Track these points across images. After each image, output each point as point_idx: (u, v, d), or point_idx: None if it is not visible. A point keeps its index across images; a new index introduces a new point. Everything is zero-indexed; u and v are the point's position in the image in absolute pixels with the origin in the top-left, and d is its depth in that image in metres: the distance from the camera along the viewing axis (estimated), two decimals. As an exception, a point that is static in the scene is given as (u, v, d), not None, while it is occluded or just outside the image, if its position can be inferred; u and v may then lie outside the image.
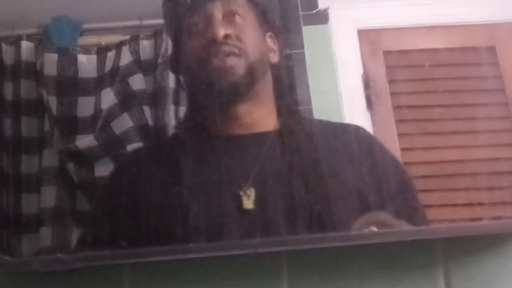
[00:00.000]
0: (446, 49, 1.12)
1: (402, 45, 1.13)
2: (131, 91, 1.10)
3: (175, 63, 1.07)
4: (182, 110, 1.09)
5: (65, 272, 0.90)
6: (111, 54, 1.12)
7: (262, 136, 1.00)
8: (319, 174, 0.97)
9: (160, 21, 1.12)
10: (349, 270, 0.95)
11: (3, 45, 1.12)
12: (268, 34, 1.04)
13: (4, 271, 0.94)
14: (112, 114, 1.09)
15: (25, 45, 1.12)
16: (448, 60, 1.11)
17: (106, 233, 0.97)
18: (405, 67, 1.11)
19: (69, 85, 1.10)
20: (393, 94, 1.08)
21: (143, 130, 1.08)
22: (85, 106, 1.10)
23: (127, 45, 1.12)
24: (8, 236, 1.03)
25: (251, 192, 0.95)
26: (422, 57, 1.11)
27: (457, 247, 0.95)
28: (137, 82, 1.10)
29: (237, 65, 0.98)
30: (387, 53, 1.11)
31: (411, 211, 0.97)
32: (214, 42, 0.98)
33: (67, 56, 1.12)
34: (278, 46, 1.04)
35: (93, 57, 1.12)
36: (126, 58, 1.11)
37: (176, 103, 1.09)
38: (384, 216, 0.95)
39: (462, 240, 0.95)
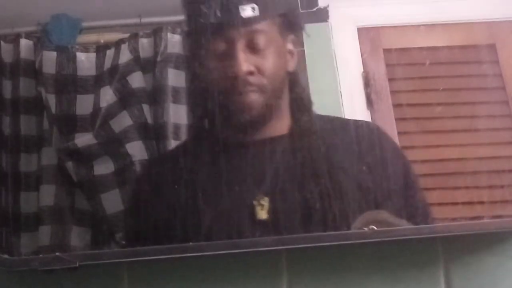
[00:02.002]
0: (447, 47, 1.11)
1: (402, 43, 1.13)
2: (130, 89, 1.09)
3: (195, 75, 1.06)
4: (182, 109, 1.09)
5: (64, 271, 0.90)
6: (110, 52, 1.12)
7: (274, 142, 0.99)
8: (330, 176, 0.95)
9: (159, 19, 1.13)
10: (349, 268, 0.95)
11: (2, 43, 1.12)
12: (290, 37, 1.02)
13: (3, 270, 0.94)
14: (111, 112, 1.08)
15: (24, 43, 1.12)
16: (448, 58, 1.11)
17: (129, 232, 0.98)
18: (405, 65, 1.11)
19: (68, 83, 1.10)
20: (393, 92, 1.08)
21: (142, 128, 1.07)
22: (84, 104, 1.09)
23: (126, 43, 1.11)
24: (7, 235, 1.03)
25: (265, 202, 0.94)
26: (422, 55, 1.10)
27: (458, 245, 0.95)
28: (136, 80, 1.10)
29: (257, 101, 0.97)
30: (387, 51, 1.11)
31: (418, 210, 0.97)
32: (236, 78, 0.97)
33: (66, 54, 1.11)
34: (298, 46, 1.03)
35: (92, 55, 1.12)
36: (125, 56, 1.11)
37: (175, 101, 1.09)
38: (384, 214, 0.95)
39: (463, 239, 0.95)
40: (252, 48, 0.98)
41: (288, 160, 0.97)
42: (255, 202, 0.94)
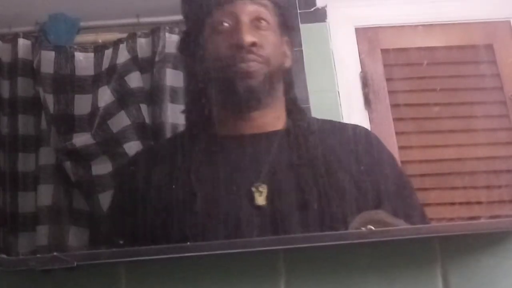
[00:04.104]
0: (444, 47, 1.12)
1: (400, 43, 1.13)
2: (128, 89, 1.09)
3: (193, 55, 1.06)
4: (181, 109, 1.09)
5: (62, 271, 0.90)
6: (108, 52, 1.12)
7: (271, 135, 1.01)
8: (326, 170, 0.98)
9: (157, 19, 1.13)
10: (347, 268, 0.95)
11: (0, 42, 1.12)
12: (285, 38, 1.05)
13: (1, 270, 0.93)
14: (109, 112, 1.08)
15: (22, 42, 1.12)
16: (446, 58, 1.11)
17: (119, 229, 0.98)
18: (403, 65, 1.11)
19: (66, 83, 1.10)
20: (391, 92, 1.08)
21: (140, 128, 1.07)
22: (82, 104, 1.09)
23: (124, 43, 1.12)
24: (5, 235, 1.03)
25: (263, 189, 0.96)
26: (420, 55, 1.10)
27: (455, 245, 0.95)
28: (134, 80, 1.10)
29: (259, 71, 1.00)
30: (385, 51, 1.11)
31: (409, 208, 0.98)
32: (239, 47, 1.00)
33: (64, 54, 1.11)
34: (292, 49, 1.06)
35: (90, 55, 1.12)
36: (123, 56, 1.11)
37: (174, 101, 1.09)
38: (381, 214, 0.95)
39: (460, 239, 0.95)
40: (255, 24, 1.01)
41: (284, 152, 1.00)
42: (253, 189, 0.96)
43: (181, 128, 1.08)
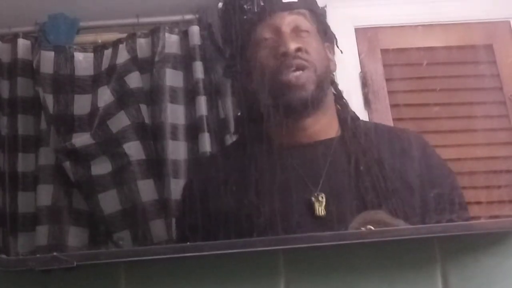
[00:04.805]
0: (444, 48, 1.12)
1: (400, 43, 1.13)
2: (128, 89, 1.09)
3: (240, 72, 1.08)
4: (180, 109, 1.09)
5: (62, 271, 0.90)
6: (108, 52, 1.12)
7: (325, 143, 1.02)
8: (384, 176, 0.98)
9: (157, 19, 1.13)
10: (346, 268, 0.95)
11: (0, 42, 1.12)
12: (326, 44, 1.06)
13: (1, 270, 0.93)
14: (109, 112, 1.08)
15: (22, 43, 1.12)
16: (445, 58, 1.11)
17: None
18: (402, 65, 1.11)
19: (66, 83, 1.10)
20: (390, 92, 1.08)
21: (139, 128, 1.07)
22: (81, 104, 1.09)
23: (124, 43, 1.12)
24: (5, 235, 1.03)
25: (322, 198, 0.97)
26: (419, 55, 1.10)
27: (455, 245, 0.95)
28: (134, 80, 1.10)
29: (308, 81, 1.01)
30: (384, 51, 1.11)
31: (462, 207, 0.99)
32: (285, 55, 1.01)
33: (64, 54, 1.11)
34: (333, 54, 1.07)
35: (90, 55, 1.12)
36: (123, 56, 1.11)
37: (173, 101, 1.09)
38: (381, 214, 0.95)
39: (460, 239, 0.95)
40: (297, 34, 1.03)
41: (341, 160, 1.01)
42: (313, 199, 0.97)
43: (181, 129, 1.09)
